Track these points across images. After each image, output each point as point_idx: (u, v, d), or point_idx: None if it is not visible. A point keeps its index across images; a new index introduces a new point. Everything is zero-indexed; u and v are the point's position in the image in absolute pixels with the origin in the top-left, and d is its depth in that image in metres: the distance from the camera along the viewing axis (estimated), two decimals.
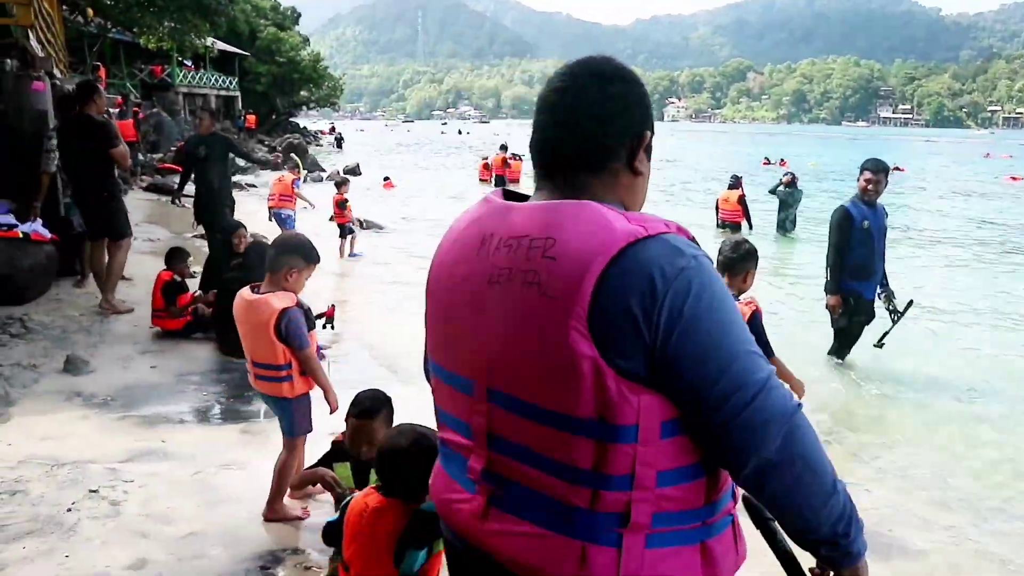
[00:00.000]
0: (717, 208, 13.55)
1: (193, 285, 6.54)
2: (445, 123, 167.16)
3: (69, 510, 3.33)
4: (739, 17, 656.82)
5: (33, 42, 7.70)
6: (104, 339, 5.82)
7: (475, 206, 1.34)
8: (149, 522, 3.28)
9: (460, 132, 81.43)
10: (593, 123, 1.22)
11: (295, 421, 3.31)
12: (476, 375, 1.22)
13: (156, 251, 8.58)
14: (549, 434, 1.13)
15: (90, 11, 21.59)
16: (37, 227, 6.76)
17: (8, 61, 7.31)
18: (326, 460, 3.07)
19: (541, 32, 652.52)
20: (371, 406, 2.87)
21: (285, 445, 3.35)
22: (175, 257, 6.14)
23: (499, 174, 20.75)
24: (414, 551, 2.17)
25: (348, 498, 2.42)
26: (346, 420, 2.93)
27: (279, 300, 3.12)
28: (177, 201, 8.75)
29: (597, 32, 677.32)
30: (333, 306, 5.19)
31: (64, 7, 16.57)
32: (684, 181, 26.27)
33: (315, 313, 4.09)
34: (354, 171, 24.43)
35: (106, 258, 6.63)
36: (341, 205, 10.27)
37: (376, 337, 6.57)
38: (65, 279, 7.14)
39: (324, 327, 4.98)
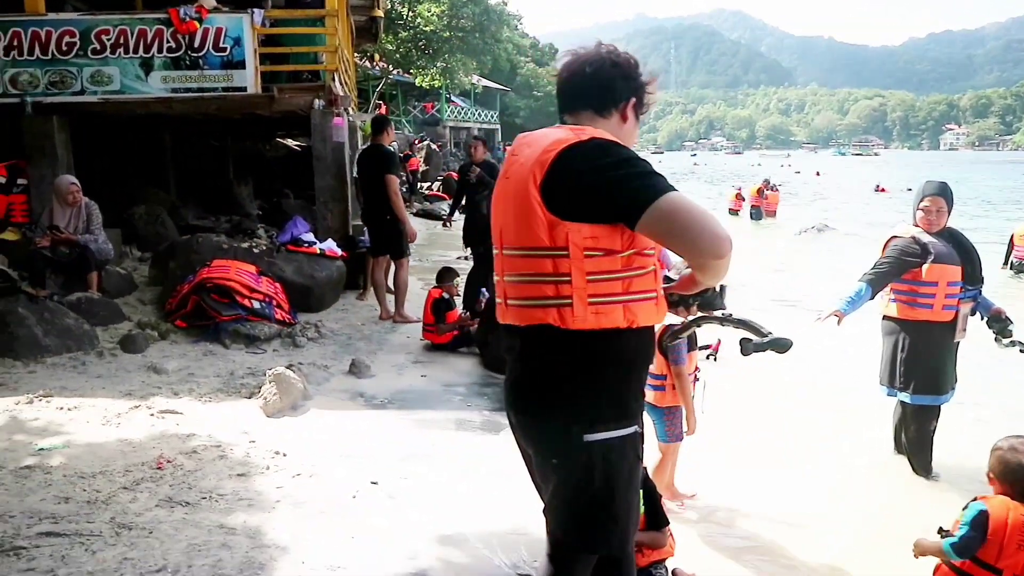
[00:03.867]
0: (1011, 245, 11.98)
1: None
2: (694, 154, 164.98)
3: (354, 497, 3.68)
4: None
5: (336, 84, 8.77)
6: (382, 347, 6.42)
7: None
8: (421, 517, 3.53)
9: (695, 164, 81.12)
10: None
11: (667, 429, 3.71)
12: None
13: (425, 271, 9.32)
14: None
15: (377, 56, 24.18)
16: (331, 244, 7.65)
17: (317, 101, 8.40)
18: None
19: (801, 58, 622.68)
20: None
21: (659, 449, 3.72)
22: (446, 276, 6.63)
23: (755, 206, 20.02)
24: None
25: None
26: None
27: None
28: (448, 224, 9.44)
29: (863, 55, 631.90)
30: (719, 341, 5.40)
31: (356, 54, 18.80)
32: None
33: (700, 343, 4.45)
34: None
35: (385, 275, 7.35)
36: None
37: None
38: (350, 292, 8.00)
39: (707, 358, 5.21)
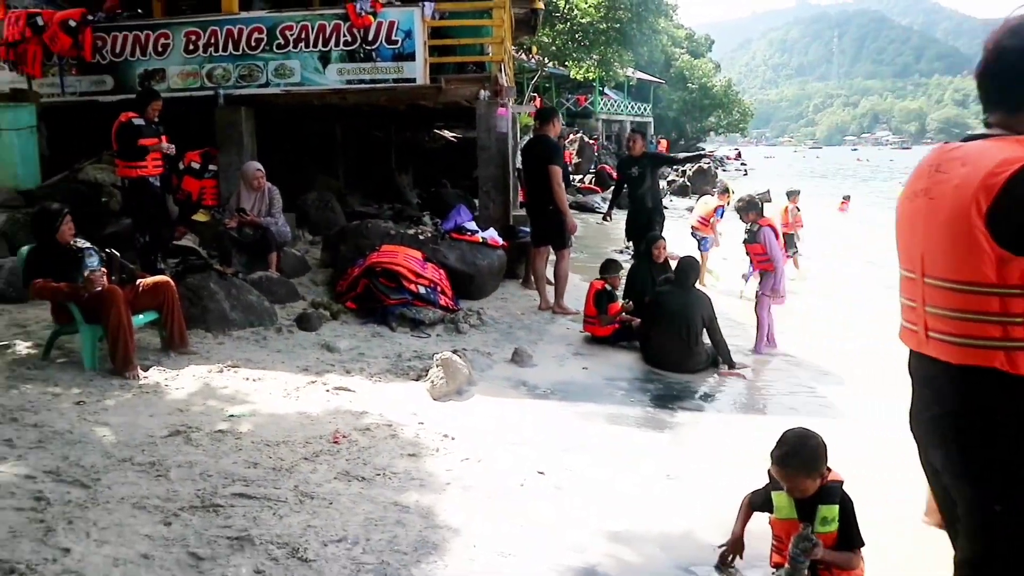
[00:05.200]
0: None
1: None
2: (855, 149, 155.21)
3: (522, 485, 3.67)
4: None
5: (501, 75, 8.84)
6: (543, 337, 6.40)
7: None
8: (587, 510, 3.46)
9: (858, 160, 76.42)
10: None
11: None
12: None
13: (581, 264, 9.26)
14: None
15: (534, 49, 24.34)
16: (493, 234, 7.73)
17: (482, 92, 8.51)
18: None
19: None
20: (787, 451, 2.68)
21: None
22: (609, 268, 6.53)
23: None
24: None
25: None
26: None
27: None
28: (608, 218, 9.35)
29: None
30: None
31: (513, 46, 19.02)
32: None
33: None
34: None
35: (545, 265, 7.34)
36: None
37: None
38: (509, 281, 8.06)
39: None
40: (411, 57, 8.65)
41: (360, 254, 6.87)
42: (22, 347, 5.32)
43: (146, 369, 4.90)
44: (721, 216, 9.97)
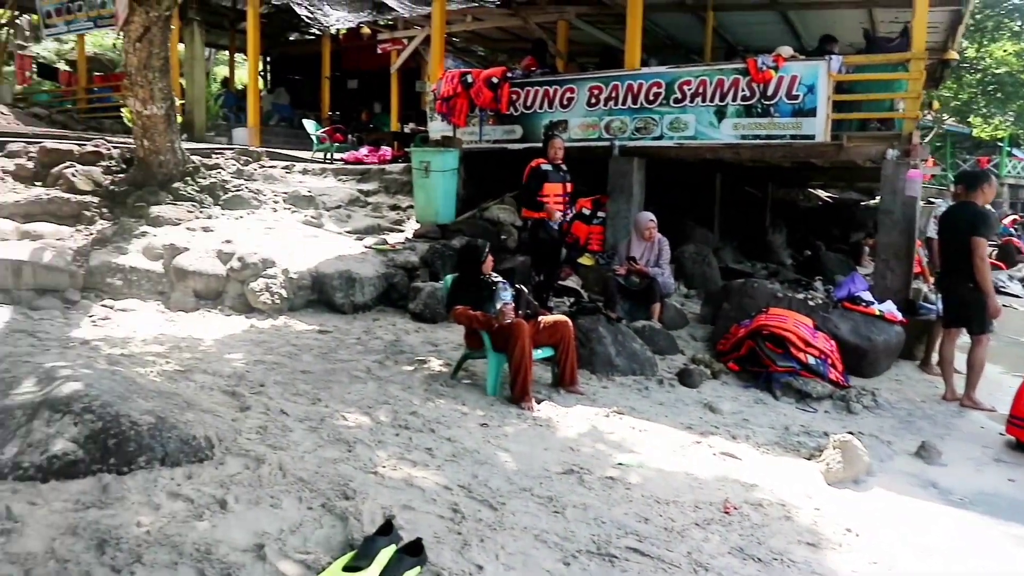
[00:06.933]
0: None
1: None
2: None
3: None
4: None
5: (915, 134, 8.00)
6: (950, 433, 5.56)
7: None
8: None
9: None
10: None
11: None
12: None
13: (998, 354, 7.95)
14: None
15: (935, 103, 22.04)
16: (891, 307, 6.97)
17: (890, 151, 7.79)
18: None
19: None
20: None
21: None
22: None
23: None
24: None
25: None
26: None
27: None
28: None
29: None
30: None
31: None
32: None
33: None
34: None
35: (954, 349, 6.41)
36: None
37: None
38: (904, 361, 7.19)
39: None
40: (811, 113, 8.25)
41: (744, 314, 6.64)
42: (435, 364, 5.99)
43: (539, 402, 5.18)
44: None
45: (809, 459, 4.61)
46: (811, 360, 5.90)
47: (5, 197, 8.32)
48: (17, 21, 22.09)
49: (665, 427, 4.96)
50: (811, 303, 6.89)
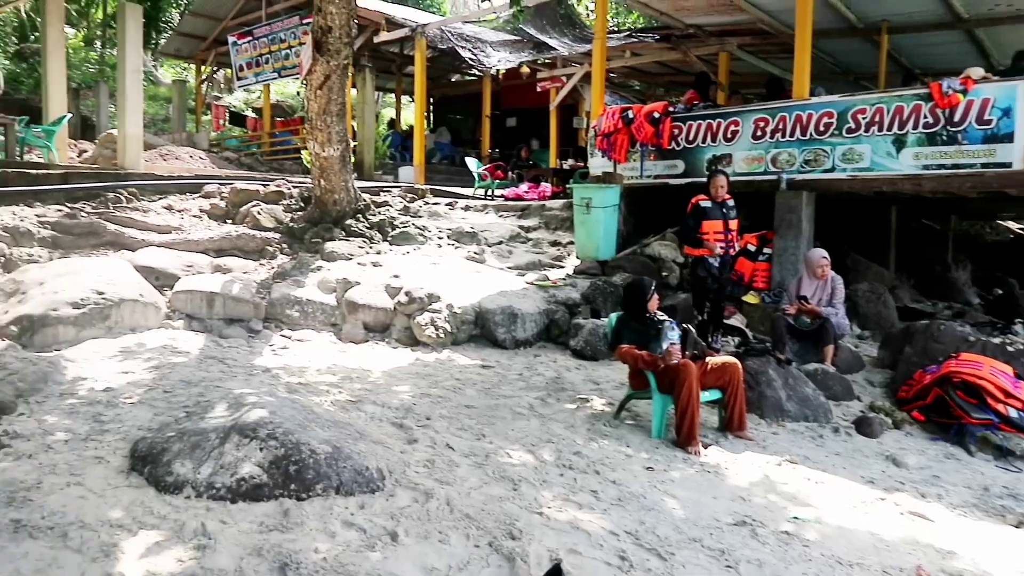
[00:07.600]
0: None
1: None
2: None
3: None
4: None
5: None
6: None
7: None
8: None
9: None
10: None
11: None
12: None
13: None
14: None
15: None
16: None
17: None
18: None
19: None
20: None
21: None
22: None
23: None
24: None
25: None
26: None
27: None
28: None
29: None
30: None
31: None
32: None
33: None
34: None
35: None
36: None
37: None
38: None
39: None
40: (1007, 139, 7.55)
41: (930, 359, 6.12)
42: (597, 403, 5.93)
43: (706, 447, 5.00)
44: None
45: (1018, 527, 4.14)
46: (1012, 413, 5.32)
47: (202, 234, 9.14)
48: (215, 76, 24.50)
49: (843, 480, 4.63)
50: (1010, 348, 6.23)
